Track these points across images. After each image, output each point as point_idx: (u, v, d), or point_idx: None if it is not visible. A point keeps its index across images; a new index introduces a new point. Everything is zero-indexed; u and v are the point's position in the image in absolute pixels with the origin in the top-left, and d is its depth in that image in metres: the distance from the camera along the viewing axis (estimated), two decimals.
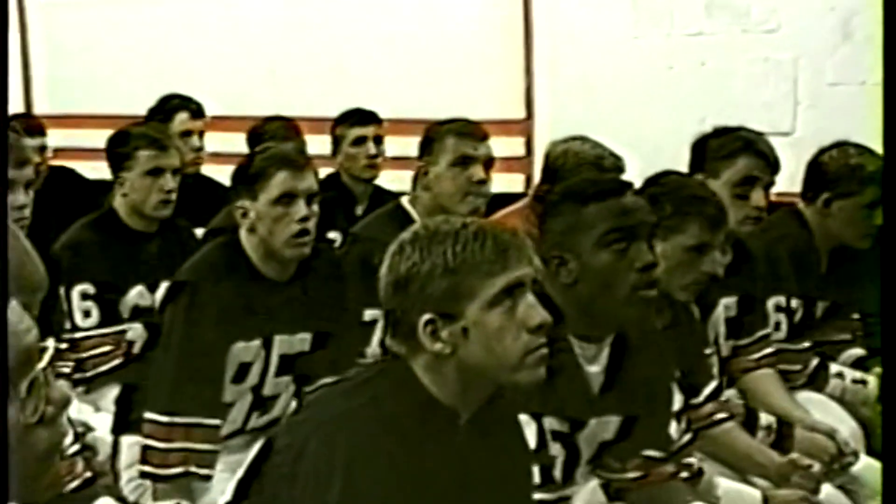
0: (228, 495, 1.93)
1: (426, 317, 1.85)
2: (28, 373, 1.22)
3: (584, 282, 2.35)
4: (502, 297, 1.86)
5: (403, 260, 1.87)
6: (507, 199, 4.18)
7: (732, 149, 3.18)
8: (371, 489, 1.80)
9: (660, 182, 2.81)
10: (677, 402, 2.67)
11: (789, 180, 3.45)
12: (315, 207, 2.96)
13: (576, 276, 2.36)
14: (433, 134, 3.62)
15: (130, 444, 2.96)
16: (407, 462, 1.84)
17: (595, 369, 2.40)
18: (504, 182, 4.56)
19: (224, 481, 2.02)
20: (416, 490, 1.84)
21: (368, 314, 3.09)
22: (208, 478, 2.86)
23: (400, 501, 1.83)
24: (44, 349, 1.25)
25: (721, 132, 3.27)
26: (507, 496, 1.98)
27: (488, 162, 3.60)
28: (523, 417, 2.22)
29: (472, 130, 3.62)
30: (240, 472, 1.92)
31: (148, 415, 2.89)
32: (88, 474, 2.54)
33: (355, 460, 1.80)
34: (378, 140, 4.66)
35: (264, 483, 1.88)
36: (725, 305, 3.17)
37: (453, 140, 3.57)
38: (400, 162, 4.56)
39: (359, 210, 4.55)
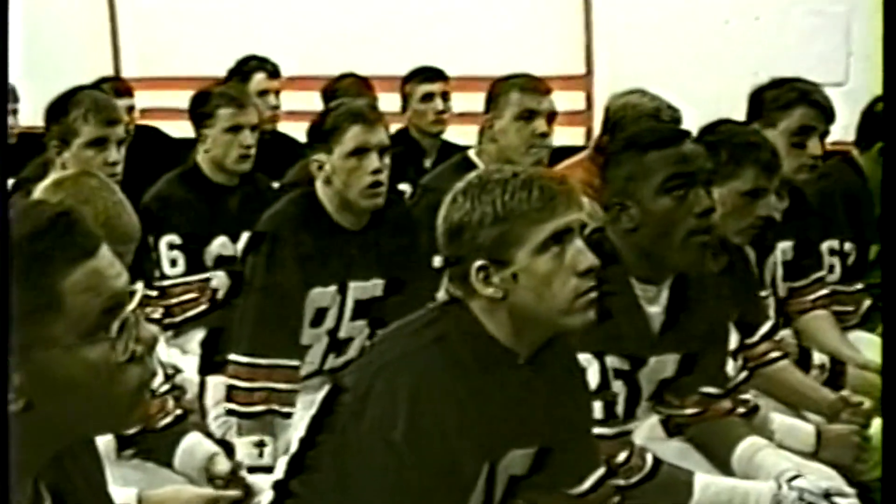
0: (302, 431, 1.93)
1: (478, 263, 1.85)
2: (118, 314, 1.23)
3: (644, 227, 2.33)
4: (550, 243, 1.84)
5: (457, 209, 1.87)
6: (569, 151, 4.14)
7: (789, 99, 3.13)
8: (434, 426, 1.79)
9: (716, 130, 2.77)
10: (733, 341, 2.65)
11: (843, 130, 3.39)
12: (387, 160, 2.95)
13: (637, 221, 2.34)
14: (498, 89, 3.59)
15: (216, 383, 2.99)
16: (469, 400, 1.82)
17: (655, 310, 2.38)
18: (565, 135, 4.51)
19: (303, 419, 2.03)
20: (478, 427, 1.83)
21: (437, 261, 3.08)
22: (289, 415, 2.89)
23: (462, 438, 1.81)
24: (133, 292, 1.26)
25: (778, 83, 3.20)
26: (566, 433, 1.97)
27: (551, 115, 3.56)
28: (587, 356, 2.21)
29: (536, 85, 3.58)
30: (312, 411, 1.92)
31: (232, 357, 2.91)
32: (179, 412, 2.58)
33: (419, 398, 1.79)
34: (445, 96, 4.67)
35: (334, 421, 1.87)
36: (782, 249, 3.15)
37: (517, 95, 3.53)
38: (466, 117, 4.54)
39: (427, 163, 4.54)
